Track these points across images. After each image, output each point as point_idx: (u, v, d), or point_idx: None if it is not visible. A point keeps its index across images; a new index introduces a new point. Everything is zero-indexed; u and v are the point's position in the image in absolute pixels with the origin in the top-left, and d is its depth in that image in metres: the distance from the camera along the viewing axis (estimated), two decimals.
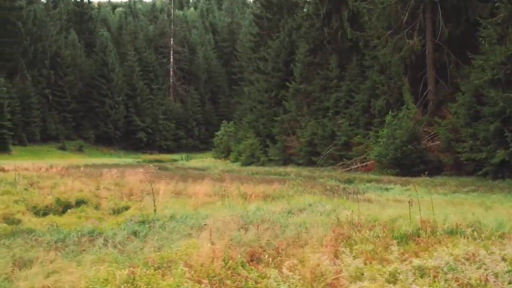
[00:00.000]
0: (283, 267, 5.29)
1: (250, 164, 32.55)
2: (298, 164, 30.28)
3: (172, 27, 66.86)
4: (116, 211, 11.51)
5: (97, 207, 11.80)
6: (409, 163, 22.47)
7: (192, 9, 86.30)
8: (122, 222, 10.08)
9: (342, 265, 5.55)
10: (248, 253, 6.03)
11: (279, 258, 5.77)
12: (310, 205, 12.06)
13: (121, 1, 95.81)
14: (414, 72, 27.62)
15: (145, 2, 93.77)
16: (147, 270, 5.53)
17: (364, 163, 25.37)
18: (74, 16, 61.65)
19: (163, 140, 59.09)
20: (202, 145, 62.21)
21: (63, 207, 12.10)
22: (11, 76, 50.93)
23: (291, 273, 4.89)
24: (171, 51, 65.56)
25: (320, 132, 29.07)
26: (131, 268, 5.69)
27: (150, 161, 47.32)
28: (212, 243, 6.01)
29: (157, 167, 28.28)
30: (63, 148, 50.95)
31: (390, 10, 26.85)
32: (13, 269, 6.42)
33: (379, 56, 27.03)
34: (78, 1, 63.08)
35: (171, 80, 65.18)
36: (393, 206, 12.78)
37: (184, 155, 49.00)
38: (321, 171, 25.04)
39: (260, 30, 41.29)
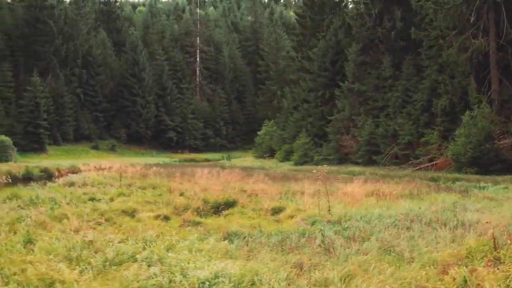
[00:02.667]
0: None
1: (303, 163, 32.58)
2: (356, 163, 30.33)
3: (199, 26, 66.79)
4: (275, 211, 11.52)
5: (253, 208, 11.79)
6: (487, 162, 22.60)
7: (212, 8, 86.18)
8: (294, 223, 10.08)
9: None
10: None
11: None
12: (454, 203, 12.14)
13: (138, 1, 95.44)
14: (477, 72, 27.73)
15: (165, 1, 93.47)
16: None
17: (433, 162, 25.49)
18: (101, 15, 61.50)
19: (192, 140, 59.10)
20: (230, 144, 62.33)
21: (214, 208, 12.10)
22: (43, 76, 50.74)
23: None
24: (197, 51, 65.52)
25: (381, 132, 29.15)
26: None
27: (186, 160, 47.49)
28: None
29: (218, 167, 28.15)
30: (96, 148, 50.84)
31: (455, 11, 26.95)
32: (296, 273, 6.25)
33: (444, 56, 27.09)
34: (105, 0, 62.92)
35: (198, 80, 65.15)
36: None
37: (225, 155, 49.04)
38: (392, 170, 25.12)
39: (303, 30, 41.31)
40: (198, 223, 10.15)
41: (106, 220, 10.62)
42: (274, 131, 41.43)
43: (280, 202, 12.19)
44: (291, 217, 10.98)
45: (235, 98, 66.12)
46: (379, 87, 32.56)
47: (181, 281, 5.68)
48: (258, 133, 43.86)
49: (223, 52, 66.65)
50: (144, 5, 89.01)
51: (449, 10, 27.04)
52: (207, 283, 5.68)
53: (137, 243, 7.26)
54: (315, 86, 37.23)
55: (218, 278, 5.80)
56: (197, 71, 65.26)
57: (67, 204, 12.46)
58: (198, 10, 70.14)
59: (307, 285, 5.88)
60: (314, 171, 11.71)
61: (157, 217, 11.23)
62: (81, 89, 52.40)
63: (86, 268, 6.21)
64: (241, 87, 67.32)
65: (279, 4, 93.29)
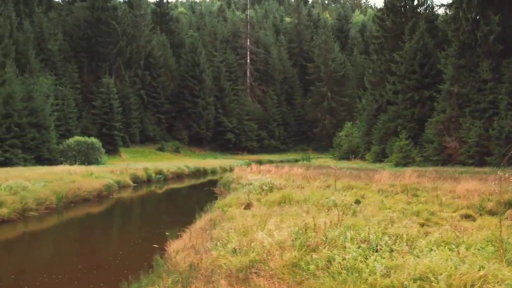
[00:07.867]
0: None
1: (406, 164, 33.22)
2: (463, 164, 31.06)
3: (249, 27, 67.18)
4: None
5: None
6: None
7: (251, 10, 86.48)
8: None
9: None
10: None
11: None
12: None
13: (172, 2, 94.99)
14: None
15: (199, 1, 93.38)
16: None
17: None
18: (155, 16, 61.50)
19: (248, 141, 59.42)
20: (282, 145, 62.76)
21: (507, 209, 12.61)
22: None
23: None
24: (248, 52, 65.90)
25: (495, 133, 29.93)
26: None
27: (255, 162, 47.75)
28: None
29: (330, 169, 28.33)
30: (161, 149, 50.93)
31: None
32: None
33: None
34: (158, 2, 62.96)
35: (248, 81, 65.53)
36: None
37: (304, 156, 49.48)
38: None
39: (384, 32, 42.01)
40: None
41: (436, 222, 11.04)
42: (354, 132, 42.09)
43: None
44: None
45: (284, 100, 66.61)
46: (478, 89, 33.34)
47: None
48: (339, 134, 44.47)
49: (272, 54, 67.08)
50: (176, 6, 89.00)
51: None
52: None
53: None
54: (403, 88, 37.91)
55: None
56: (248, 73, 65.65)
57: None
58: (248, 12, 70.54)
59: None
60: None
61: (461, 217, 11.72)
62: (144, 90, 52.46)
63: None
64: (290, 89, 67.83)
65: (314, 7, 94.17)
